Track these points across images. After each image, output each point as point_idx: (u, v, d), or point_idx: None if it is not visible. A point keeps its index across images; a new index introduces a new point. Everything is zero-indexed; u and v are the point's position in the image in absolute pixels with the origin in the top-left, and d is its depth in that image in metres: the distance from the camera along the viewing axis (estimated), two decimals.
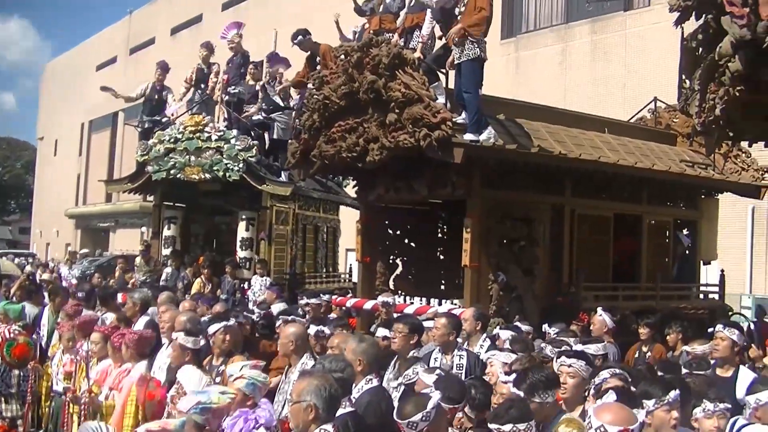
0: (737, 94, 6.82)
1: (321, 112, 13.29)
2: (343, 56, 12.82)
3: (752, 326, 15.35)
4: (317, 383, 5.69)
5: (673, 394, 5.86)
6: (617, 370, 6.71)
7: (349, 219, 17.39)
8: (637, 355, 11.67)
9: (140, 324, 10.66)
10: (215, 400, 6.24)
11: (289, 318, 10.65)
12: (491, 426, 5.82)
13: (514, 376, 6.84)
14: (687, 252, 16.85)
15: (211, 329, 9.04)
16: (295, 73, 17.35)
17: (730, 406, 6.54)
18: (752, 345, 12.52)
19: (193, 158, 19.33)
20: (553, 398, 6.36)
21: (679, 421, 5.99)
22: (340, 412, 6.21)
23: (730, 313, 16.17)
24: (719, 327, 8.86)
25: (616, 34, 32.69)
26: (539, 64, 35.53)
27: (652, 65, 29.15)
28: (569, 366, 6.74)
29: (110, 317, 11.12)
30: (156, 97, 21.38)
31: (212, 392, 6.48)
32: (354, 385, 7.14)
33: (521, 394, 6.35)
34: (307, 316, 12.66)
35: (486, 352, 9.23)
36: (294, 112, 18.29)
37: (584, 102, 28.67)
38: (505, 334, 9.81)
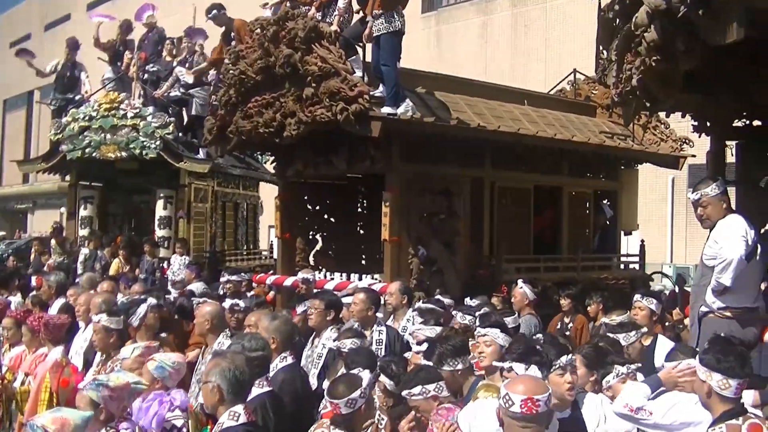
0: (653, 64, 6.77)
1: (237, 87, 13.06)
2: (258, 30, 12.59)
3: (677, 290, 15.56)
4: (223, 365, 5.58)
5: (565, 358, 5.88)
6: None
7: (271, 196, 17.19)
8: (558, 327, 11.68)
9: (55, 308, 10.41)
10: (113, 379, 6.03)
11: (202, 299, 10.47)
12: (403, 393, 5.82)
13: (425, 345, 6.78)
14: (608, 223, 16.92)
15: (141, 310, 8.81)
16: (211, 51, 17.09)
17: (640, 364, 6.69)
18: (676, 308, 12.72)
19: (108, 136, 18.84)
20: (464, 365, 6.33)
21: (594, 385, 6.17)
22: (257, 391, 6.23)
23: (658, 274, 16.35)
24: (637, 297, 8.89)
25: (536, 6, 32.74)
26: (460, 37, 35.51)
27: (572, 37, 29.27)
28: (485, 335, 6.72)
29: (15, 300, 10.83)
30: (68, 74, 20.87)
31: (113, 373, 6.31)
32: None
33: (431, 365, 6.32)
34: (227, 294, 12.47)
35: (413, 325, 9.13)
36: (211, 88, 17.98)
37: (505, 75, 28.69)
38: (424, 308, 9.72)
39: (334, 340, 8.16)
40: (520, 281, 11.29)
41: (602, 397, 6.29)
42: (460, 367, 6.27)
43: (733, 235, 7.15)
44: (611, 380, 6.37)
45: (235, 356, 5.83)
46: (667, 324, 10.26)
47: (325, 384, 6.97)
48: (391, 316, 10.08)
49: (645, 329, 8.10)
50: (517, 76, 28.32)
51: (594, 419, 6.04)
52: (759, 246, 7.37)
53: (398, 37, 11.75)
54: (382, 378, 6.39)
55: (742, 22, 5.95)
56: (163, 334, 8.98)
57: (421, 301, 10.47)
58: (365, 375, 5.91)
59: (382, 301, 10.24)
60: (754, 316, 7.37)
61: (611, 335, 7.68)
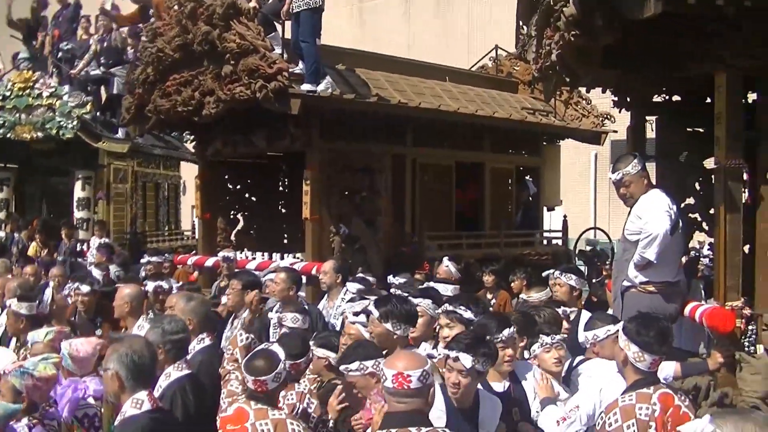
0: (572, 39, 6.72)
1: (155, 65, 12.83)
2: (176, 6, 12.35)
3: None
4: (120, 350, 5.28)
5: (507, 331, 5.92)
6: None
7: (193, 175, 16.90)
8: None
9: None
10: (40, 369, 5.84)
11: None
12: (341, 368, 5.75)
13: (362, 316, 6.73)
14: (530, 199, 16.96)
15: (46, 295, 8.60)
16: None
17: (566, 335, 6.77)
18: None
19: (23, 116, 18.38)
20: (404, 334, 6.31)
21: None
22: (176, 374, 6.07)
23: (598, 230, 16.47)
24: (556, 273, 8.90)
25: None
26: (383, 14, 35.42)
27: (495, 14, 29.30)
28: (418, 305, 6.75)
29: None
30: None
31: (37, 361, 6.10)
32: None
33: (377, 313, 6.30)
34: (148, 275, 12.29)
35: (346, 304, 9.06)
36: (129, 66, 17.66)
37: (429, 51, 28.64)
38: (353, 287, 9.62)
39: (276, 312, 8.12)
40: (445, 259, 11.28)
41: (534, 367, 6.29)
42: (399, 333, 6.24)
43: (657, 210, 7.16)
44: (537, 349, 6.38)
45: (132, 340, 5.58)
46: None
47: None
48: (326, 296, 10.03)
49: (565, 309, 8.08)
50: (440, 53, 28.27)
51: (530, 390, 6.06)
52: (680, 221, 7.39)
53: (318, 14, 11.61)
54: (325, 352, 6.41)
55: None
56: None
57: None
58: (277, 348, 5.86)
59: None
60: (675, 290, 7.41)
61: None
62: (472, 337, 5.39)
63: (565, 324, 7.54)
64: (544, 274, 10.30)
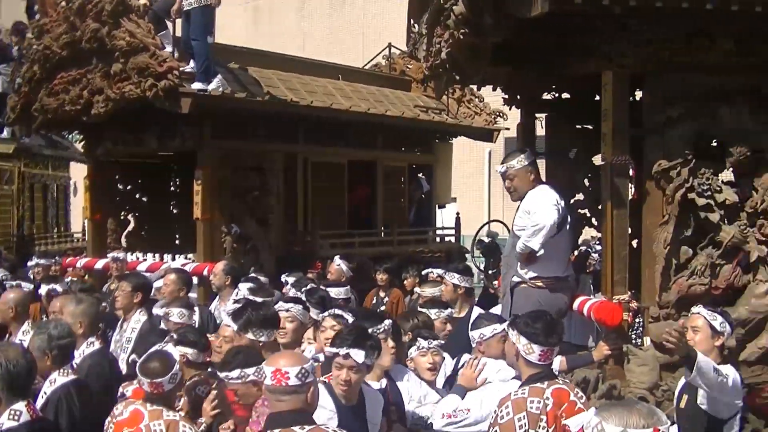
0: (461, 37, 6.76)
1: (42, 63, 12.56)
2: (64, 3, 12.11)
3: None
4: None
5: (387, 322, 6.06)
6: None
7: (84, 176, 16.60)
8: (374, 301, 11.69)
9: None
10: None
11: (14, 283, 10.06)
12: (221, 375, 5.67)
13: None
14: (423, 196, 17.07)
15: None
16: None
17: (443, 342, 6.73)
18: None
19: None
20: (268, 339, 6.36)
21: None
22: (61, 380, 5.95)
23: (489, 240, 16.64)
24: (440, 272, 8.99)
25: None
26: (278, 12, 35.25)
27: (389, 12, 29.35)
28: (287, 311, 6.83)
29: None
30: None
31: None
32: (76, 348, 6.72)
33: (235, 326, 6.40)
34: (37, 279, 12.03)
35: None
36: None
37: (324, 50, 28.65)
38: (245, 287, 9.54)
39: (162, 307, 8.04)
40: (336, 257, 11.28)
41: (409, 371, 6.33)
42: (263, 339, 6.29)
43: (545, 203, 7.26)
44: (413, 352, 6.42)
45: (7, 349, 5.35)
46: None
47: None
48: (218, 297, 9.96)
49: (450, 310, 8.12)
50: (335, 51, 28.31)
51: (405, 392, 6.07)
52: (569, 216, 7.50)
53: (209, 12, 11.50)
54: (183, 349, 6.31)
55: None
56: None
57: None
58: (171, 348, 5.88)
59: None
60: (564, 285, 7.52)
61: (423, 310, 7.71)
62: (356, 333, 5.41)
63: (448, 326, 7.60)
64: (423, 272, 10.44)
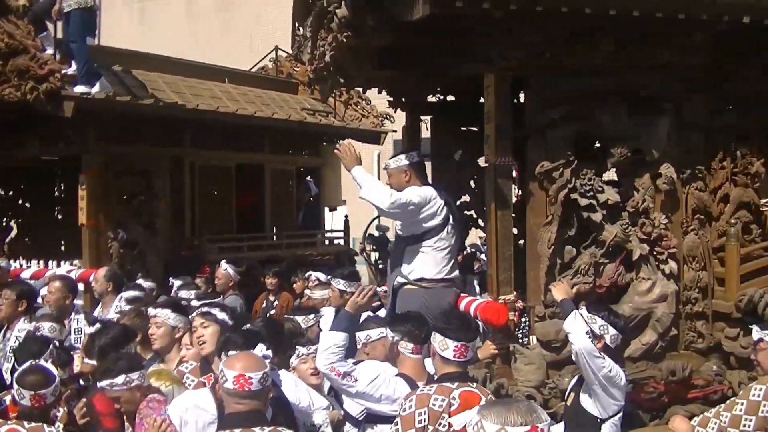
0: (344, 40, 6.77)
1: None
2: None
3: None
4: None
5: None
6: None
7: None
8: (264, 305, 11.63)
9: None
10: None
11: None
12: (103, 384, 5.62)
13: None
14: (312, 199, 17.08)
15: None
16: None
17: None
18: None
19: None
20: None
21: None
22: None
23: (379, 234, 16.68)
24: (319, 275, 9.06)
25: None
26: (166, 13, 34.88)
27: (278, 14, 29.24)
28: (155, 316, 6.74)
29: None
30: None
31: None
32: None
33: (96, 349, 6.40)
34: None
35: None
36: None
37: (213, 52, 28.40)
38: (129, 294, 9.40)
39: (31, 322, 7.92)
40: (222, 262, 11.18)
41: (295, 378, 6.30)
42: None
43: (411, 191, 7.32)
44: (294, 361, 6.44)
45: None
46: None
47: None
48: (100, 304, 9.77)
49: (319, 314, 8.17)
50: (224, 54, 28.05)
51: (294, 399, 6.02)
52: (451, 216, 7.54)
53: (90, 14, 11.38)
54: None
55: None
56: None
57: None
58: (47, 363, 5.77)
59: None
60: (449, 285, 7.55)
61: (293, 317, 7.77)
62: (243, 336, 5.42)
63: None
64: (305, 275, 10.46)
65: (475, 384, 5.36)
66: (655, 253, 7.31)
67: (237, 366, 4.57)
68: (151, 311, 6.88)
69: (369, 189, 7.19)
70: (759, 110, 7.82)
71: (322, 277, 10.56)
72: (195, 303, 8.09)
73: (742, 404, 6.02)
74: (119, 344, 6.37)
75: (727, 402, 6.26)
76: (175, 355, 6.65)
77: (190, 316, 6.76)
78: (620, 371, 5.86)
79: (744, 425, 5.91)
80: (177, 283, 10.44)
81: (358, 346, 6.54)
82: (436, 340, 5.28)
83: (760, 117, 7.85)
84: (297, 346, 6.50)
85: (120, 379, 5.52)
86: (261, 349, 5.36)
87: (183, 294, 9.72)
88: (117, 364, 5.68)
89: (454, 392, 5.05)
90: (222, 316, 6.38)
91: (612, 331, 5.90)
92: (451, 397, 5.02)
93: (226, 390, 4.57)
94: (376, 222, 17.99)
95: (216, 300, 8.55)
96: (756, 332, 6.19)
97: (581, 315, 5.98)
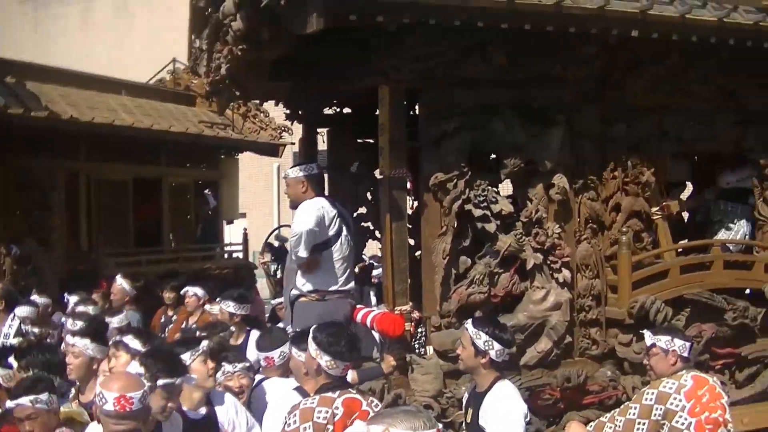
0: (240, 53, 6.76)
1: None
2: None
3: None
4: None
5: (205, 343, 6.02)
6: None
7: None
8: (162, 320, 11.49)
9: None
10: None
11: None
12: (13, 404, 5.46)
13: None
14: (210, 212, 16.99)
15: None
16: None
17: (248, 364, 6.66)
18: None
19: None
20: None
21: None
22: None
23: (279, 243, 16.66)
24: (197, 291, 9.09)
25: None
26: (61, 24, 34.39)
27: (176, 26, 29.04)
28: (73, 345, 6.59)
29: None
30: None
31: None
32: None
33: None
34: None
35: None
36: None
37: (110, 64, 28.10)
38: (22, 311, 9.24)
39: None
40: (118, 276, 11.05)
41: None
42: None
43: (303, 212, 7.35)
44: (220, 377, 6.36)
45: None
46: None
47: None
48: None
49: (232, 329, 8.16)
50: (121, 65, 27.79)
51: (227, 420, 5.96)
52: (345, 227, 7.57)
53: None
54: None
55: (321, 13, 6.05)
56: None
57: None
58: None
59: None
60: (344, 297, 7.57)
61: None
62: (163, 361, 5.37)
63: None
64: (181, 292, 10.44)
65: (355, 389, 5.43)
66: (548, 262, 7.44)
67: (115, 387, 4.49)
68: (69, 339, 6.71)
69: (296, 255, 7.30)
70: (648, 121, 8.05)
71: (199, 292, 10.47)
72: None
73: (635, 408, 6.19)
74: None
75: (621, 407, 6.43)
76: (94, 384, 6.52)
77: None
78: (522, 405, 5.85)
79: (637, 429, 6.07)
80: (73, 299, 10.27)
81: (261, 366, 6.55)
82: (324, 359, 5.23)
83: (649, 127, 8.06)
84: (224, 363, 6.39)
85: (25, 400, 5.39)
86: (135, 367, 5.32)
87: (80, 309, 9.58)
88: (23, 383, 5.61)
89: (337, 401, 5.08)
90: (135, 345, 6.30)
91: (497, 345, 5.77)
92: (334, 406, 5.05)
93: (105, 413, 4.48)
94: (276, 232, 17.97)
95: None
96: (648, 337, 6.37)
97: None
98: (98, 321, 8.08)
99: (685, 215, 9.91)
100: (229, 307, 8.58)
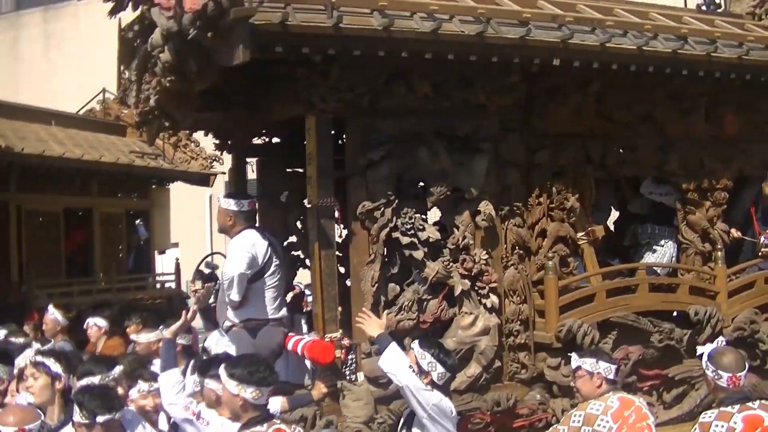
0: (168, 84, 6.79)
1: None
2: None
3: None
4: None
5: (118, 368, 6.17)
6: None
7: None
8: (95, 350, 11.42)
9: None
10: None
11: None
12: None
13: None
14: (142, 242, 16.93)
15: None
16: None
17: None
18: None
19: None
20: None
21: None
22: None
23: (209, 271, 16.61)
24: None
25: (69, 23, 32.04)
26: None
27: (105, 56, 28.80)
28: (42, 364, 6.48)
29: None
30: None
31: None
32: None
33: None
34: None
35: None
36: None
37: (39, 94, 27.82)
38: None
39: None
40: (50, 307, 10.96)
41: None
42: None
43: (236, 252, 7.36)
44: (134, 395, 6.40)
45: None
46: None
47: None
48: None
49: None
50: (50, 95, 27.55)
51: None
52: (275, 257, 7.59)
53: None
54: None
55: (247, 45, 6.12)
56: None
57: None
58: None
59: None
60: (276, 325, 7.58)
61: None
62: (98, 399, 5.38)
63: None
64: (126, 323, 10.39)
65: (279, 419, 5.54)
66: (476, 288, 7.54)
67: (11, 420, 4.50)
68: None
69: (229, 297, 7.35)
70: (572, 147, 8.21)
71: (100, 323, 10.43)
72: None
73: (563, 430, 6.30)
74: None
75: (550, 429, 6.54)
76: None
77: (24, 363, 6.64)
78: (449, 402, 6.03)
79: None
80: (2, 331, 10.18)
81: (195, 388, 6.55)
82: (248, 390, 5.26)
83: (573, 153, 8.23)
84: (139, 381, 6.43)
85: None
86: (24, 398, 5.34)
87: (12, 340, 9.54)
88: None
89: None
90: (56, 368, 6.27)
91: (440, 368, 5.99)
92: None
93: None
94: (207, 259, 17.97)
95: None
96: (574, 360, 6.50)
97: (397, 347, 6.14)
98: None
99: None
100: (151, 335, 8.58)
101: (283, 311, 7.69)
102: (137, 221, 17.03)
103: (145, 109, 7.90)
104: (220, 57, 6.41)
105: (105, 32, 28.07)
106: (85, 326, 10.56)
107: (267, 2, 6.58)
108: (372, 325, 6.62)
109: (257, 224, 8.04)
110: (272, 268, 7.51)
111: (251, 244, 7.41)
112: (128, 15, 7.88)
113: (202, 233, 27.21)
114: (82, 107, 17.90)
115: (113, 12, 7.85)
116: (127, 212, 16.48)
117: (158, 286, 16.73)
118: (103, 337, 10.36)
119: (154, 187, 16.90)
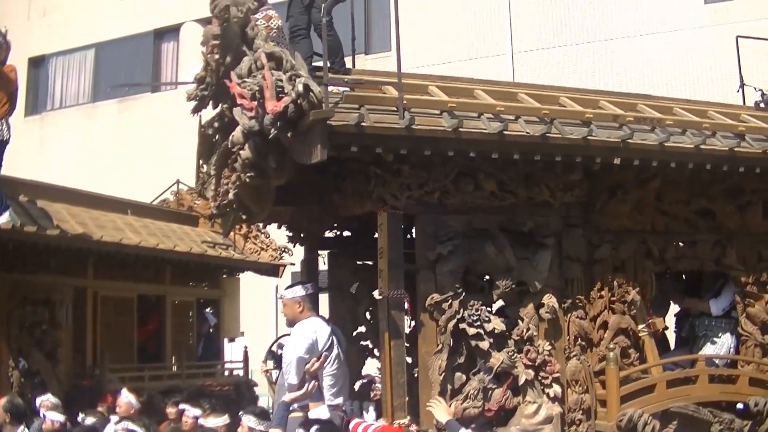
0: (247, 179, 7.09)
1: None
2: None
3: None
4: None
5: None
6: None
7: None
8: None
9: None
10: None
11: None
12: None
13: None
14: (211, 330, 17.17)
15: None
16: None
17: None
18: None
19: None
20: None
21: None
22: None
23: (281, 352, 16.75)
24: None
25: (142, 115, 32.60)
26: (65, 142, 34.63)
27: (177, 148, 29.35)
28: None
29: None
30: None
31: None
32: None
33: None
34: None
35: None
36: None
37: (111, 183, 28.29)
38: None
39: None
40: (123, 390, 11.24)
41: None
42: None
43: (297, 336, 7.61)
44: None
45: None
46: None
47: None
48: None
49: None
50: (122, 185, 28.01)
51: None
52: (338, 345, 7.76)
53: (1, 147, 11.50)
54: None
55: (324, 144, 6.45)
56: None
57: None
58: None
59: None
60: (335, 413, 7.67)
61: None
62: None
63: None
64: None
65: None
66: (540, 377, 7.73)
67: None
68: None
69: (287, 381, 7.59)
70: (632, 242, 8.44)
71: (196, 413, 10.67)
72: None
73: None
74: None
75: None
76: None
77: None
78: None
79: None
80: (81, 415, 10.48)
81: None
82: None
83: (633, 248, 8.45)
84: None
85: None
86: None
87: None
88: None
89: None
90: None
91: None
92: None
93: None
94: (280, 341, 18.13)
95: None
96: None
97: None
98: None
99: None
100: (250, 421, 8.77)
101: (340, 399, 7.80)
102: (207, 309, 17.28)
103: (224, 202, 8.21)
104: (298, 155, 6.72)
105: (175, 126, 28.74)
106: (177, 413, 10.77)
107: (342, 103, 6.96)
108: (441, 411, 6.84)
109: (319, 313, 8.19)
110: (332, 356, 7.66)
111: (313, 330, 7.62)
112: (209, 111, 8.29)
113: (270, 322, 27.36)
114: (156, 197, 18.26)
115: (195, 110, 8.27)
116: (198, 300, 16.74)
117: (226, 373, 16.91)
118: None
119: (224, 276, 17.18)
